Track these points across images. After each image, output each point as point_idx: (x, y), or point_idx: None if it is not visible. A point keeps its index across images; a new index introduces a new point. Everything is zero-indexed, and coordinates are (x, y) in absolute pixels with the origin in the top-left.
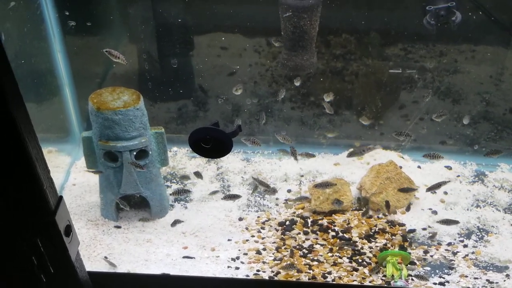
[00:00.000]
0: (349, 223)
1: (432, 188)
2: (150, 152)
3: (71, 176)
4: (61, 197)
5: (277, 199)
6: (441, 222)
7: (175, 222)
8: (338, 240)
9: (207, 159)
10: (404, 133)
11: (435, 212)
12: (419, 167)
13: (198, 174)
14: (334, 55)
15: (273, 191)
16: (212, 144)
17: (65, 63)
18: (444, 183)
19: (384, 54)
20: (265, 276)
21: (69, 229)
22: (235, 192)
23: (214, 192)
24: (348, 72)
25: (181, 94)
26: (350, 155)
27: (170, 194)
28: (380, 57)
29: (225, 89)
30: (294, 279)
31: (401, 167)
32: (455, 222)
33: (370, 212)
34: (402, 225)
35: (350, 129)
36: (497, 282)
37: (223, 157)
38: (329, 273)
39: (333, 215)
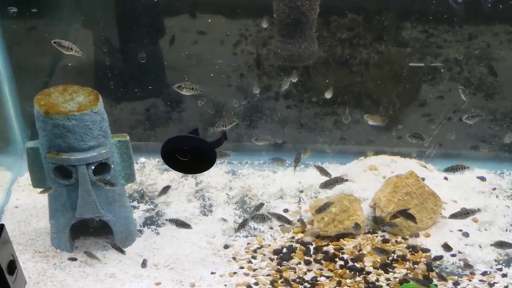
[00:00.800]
0: (360, 250)
1: (457, 216)
2: (112, 166)
3: (13, 196)
4: (1, 226)
5: (271, 221)
6: (496, 245)
7: (145, 263)
8: (347, 270)
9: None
10: (420, 136)
11: (466, 234)
12: (445, 178)
13: (166, 189)
14: (338, 40)
15: (287, 222)
16: (190, 156)
17: (3, 56)
18: (473, 212)
19: (401, 38)
20: None
21: (13, 265)
22: (218, 213)
23: (224, 220)
24: (356, 61)
25: (149, 92)
26: (322, 186)
27: (167, 220)
28: (395, 42)
29: (205, 86)
30: None
31: (423, 179)
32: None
33: (387, 236)
34: (426, 250)
35: (360, 132)
36: None
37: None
38: None
39: (340, 239)
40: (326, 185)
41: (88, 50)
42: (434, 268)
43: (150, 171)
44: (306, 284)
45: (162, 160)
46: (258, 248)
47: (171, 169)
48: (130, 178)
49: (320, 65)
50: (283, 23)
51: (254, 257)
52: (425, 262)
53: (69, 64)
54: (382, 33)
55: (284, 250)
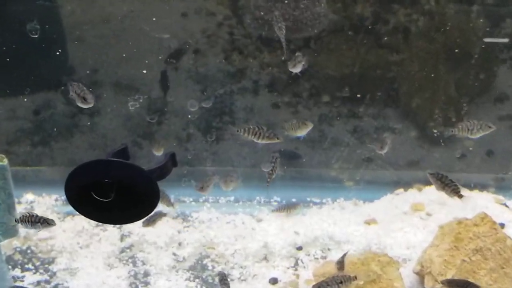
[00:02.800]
0: None
1: None
2: None
3: None
4: None
5: None
6: None
7: None
8: None
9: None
10: (456, 190)
11: None
12: None
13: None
14: None
15: None
16: (116, 194)
17: None
18: None
19: None
20: None
21: None
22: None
23: None
24: (389, 28)
25: (39, 82)
26: None
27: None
28: None
29: (136, 76)
30: None
31: (503, 226)
32: None
33: None
34: None
35: (397, 148)
36: None
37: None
38: None
39: None
40: None
41: None
42: None
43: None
44: None
45: (65, 199)
46: None
47: (82, 215)
48: (8, 230)
49: (330, 35)
50: None
51: None
52: None
53: None
54: None
55: None
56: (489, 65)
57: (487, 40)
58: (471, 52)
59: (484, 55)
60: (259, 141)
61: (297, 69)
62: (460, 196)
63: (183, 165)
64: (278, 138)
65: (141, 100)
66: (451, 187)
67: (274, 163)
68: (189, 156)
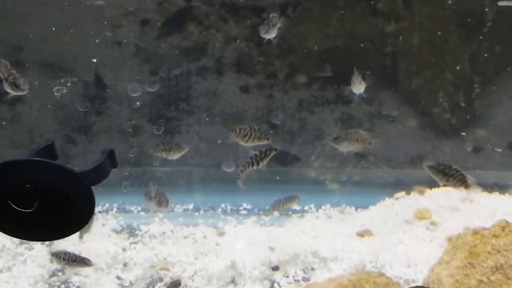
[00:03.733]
0: None
1: None
2: None
3: None
4: None
5: None
6: None
7: None
8: None
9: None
10: (463, 178)
11: None
12: None
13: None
14: None
15: None
16: (40, 203)
17: None
18: None
19: None
20: None
21: None
22: None
23: None
24: None
25: None
26: None
27: None
28: None
29: (69, 54)
30: None
31: None
32: None
33: None
34: None
35: (396, 140)
36: None
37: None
38: None
39: None
40: None
41: None
42: None
43: None
44: None
45: None
46: None
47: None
48: None
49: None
50: None
51: None
52: None
53: None
54: None
55: None
56: (507, 35)
57: (501, 3)
58: (485, 18)
59: (501, 23)
60: (248, 143)
61: (271, 35)
62: (467, 186)
63: (125, 165)
64: (268, 139)
65: (69, 84)
66: (457, 177)
67: (265, 153)
68: (131, 153)
